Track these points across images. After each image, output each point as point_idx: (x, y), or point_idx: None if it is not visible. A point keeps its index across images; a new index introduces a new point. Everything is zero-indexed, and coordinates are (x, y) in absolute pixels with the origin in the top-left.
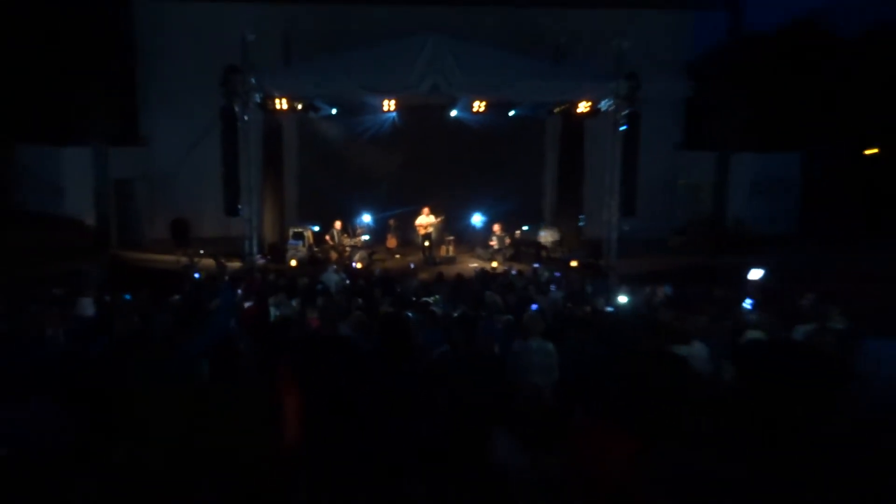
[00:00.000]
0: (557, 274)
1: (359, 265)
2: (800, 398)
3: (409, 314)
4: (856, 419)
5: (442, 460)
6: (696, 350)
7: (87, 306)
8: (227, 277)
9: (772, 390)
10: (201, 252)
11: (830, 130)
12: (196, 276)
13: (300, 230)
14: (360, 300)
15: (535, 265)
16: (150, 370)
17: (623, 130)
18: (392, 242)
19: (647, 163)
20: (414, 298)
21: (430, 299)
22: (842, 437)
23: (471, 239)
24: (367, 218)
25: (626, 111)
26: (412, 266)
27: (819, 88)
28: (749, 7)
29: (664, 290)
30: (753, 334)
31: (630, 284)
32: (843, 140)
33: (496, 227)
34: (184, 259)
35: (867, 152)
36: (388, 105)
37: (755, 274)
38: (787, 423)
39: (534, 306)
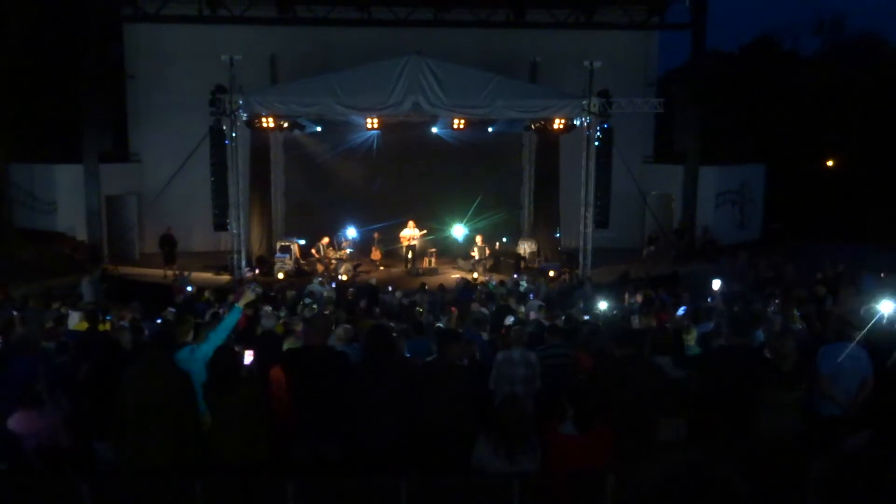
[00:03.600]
0: (536, 284)
1: (344, 277)
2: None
3: (394, 324)
4: (815, 416)
5: (427, 464)
6: (669, 360)
7: (78, 320)
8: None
9: (726, 392)
10: (188, 274)
11: (792, 143)
12: (189, 288)
13: (287, 243)
14: (344, 313)
15: (515, 275)
16: (145, 378)
17: (596, 145)
18: (376, 254)
19: (619, 176)
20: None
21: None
22: (802, 433)
23: (452, 250)
24: (351, 231)
25: (599, 127)
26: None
27: (780, 103)
28: (712, 27)
29: (638, 298)
30: (718, 341)
31: (605, 292)
32: (804, 152)
33: (477, 239)
34: (170, 274)
35: (827, 164)
36: (372, 122)
37: (716, 283)
38: (741, 421)
39: (511, 318)
